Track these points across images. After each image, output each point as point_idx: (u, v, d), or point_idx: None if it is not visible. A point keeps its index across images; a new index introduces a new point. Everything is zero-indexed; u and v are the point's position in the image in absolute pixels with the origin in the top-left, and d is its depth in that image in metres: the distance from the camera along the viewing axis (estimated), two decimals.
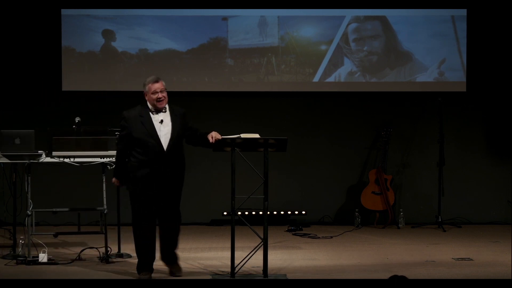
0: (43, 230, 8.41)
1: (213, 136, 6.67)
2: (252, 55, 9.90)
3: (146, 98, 6.78)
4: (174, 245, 6.88)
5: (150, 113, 6.73)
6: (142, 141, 6.66)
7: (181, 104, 9.89)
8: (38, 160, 7.29)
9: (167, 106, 6.79)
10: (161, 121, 6.70)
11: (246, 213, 9.55)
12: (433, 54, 9.96)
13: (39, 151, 7.29)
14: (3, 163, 7.42)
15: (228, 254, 6.88)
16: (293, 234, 9.19)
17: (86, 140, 7.34)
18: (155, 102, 6.70)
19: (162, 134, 6.69)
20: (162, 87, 6.73)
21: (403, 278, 5.23)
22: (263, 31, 9.88)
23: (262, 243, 6.63)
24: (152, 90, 6.71)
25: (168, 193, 6.73)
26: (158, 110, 6.73)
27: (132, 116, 6.74)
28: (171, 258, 6.88)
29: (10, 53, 9.77)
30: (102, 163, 7.42)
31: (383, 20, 9.94)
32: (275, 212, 9.81)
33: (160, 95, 6.70)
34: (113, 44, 9.83)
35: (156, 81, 6.73)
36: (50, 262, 7.20)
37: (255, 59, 9.91)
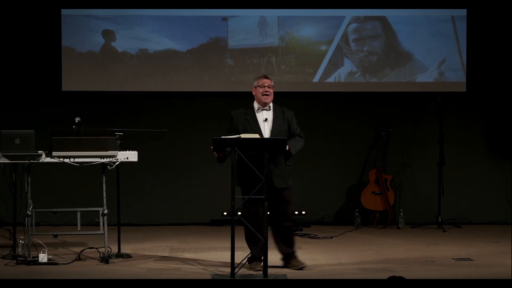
0: (43, 230, 8.40)
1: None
2: (252, 55, 9.89)
3: (254, 93, 7.01)
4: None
5: (255, 111, 6.97)
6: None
7: (181, 104, 10.00)
8: (38, 160, 7.28)
9: (271, 105, 7.00)
10: (265, 119, 6.94)
11: None
12: (433, 54, 9.96)
13: (39, 151, 7.28)
14: (3, 163, 7.40)
15: (228, 254, 6.87)
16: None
17: (86, 140, 7.32)
18: (261, 96, 6.94)
19: (266, 133, 6.94)
20: (270, 83, 6.98)
21: (401, 278, 5.24)
22: (263, 31, 9.87)
23: (262, 243, 6.62)
24: (260, 83, 6.98)
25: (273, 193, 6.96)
26: (262, 108, 6.96)
27: (238, 114, 7.00)
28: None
29: (10, 53, 9.77)
30: (102, 163, 7.41)
31: (383, 20, 9.94)
32: None
33: (267, 89, 6.95)
34: (113, 44, 9.82)
35: (266, 77, 7.02)
36: (50, 262, 7.19)
37: (255, 59, 9.91)
